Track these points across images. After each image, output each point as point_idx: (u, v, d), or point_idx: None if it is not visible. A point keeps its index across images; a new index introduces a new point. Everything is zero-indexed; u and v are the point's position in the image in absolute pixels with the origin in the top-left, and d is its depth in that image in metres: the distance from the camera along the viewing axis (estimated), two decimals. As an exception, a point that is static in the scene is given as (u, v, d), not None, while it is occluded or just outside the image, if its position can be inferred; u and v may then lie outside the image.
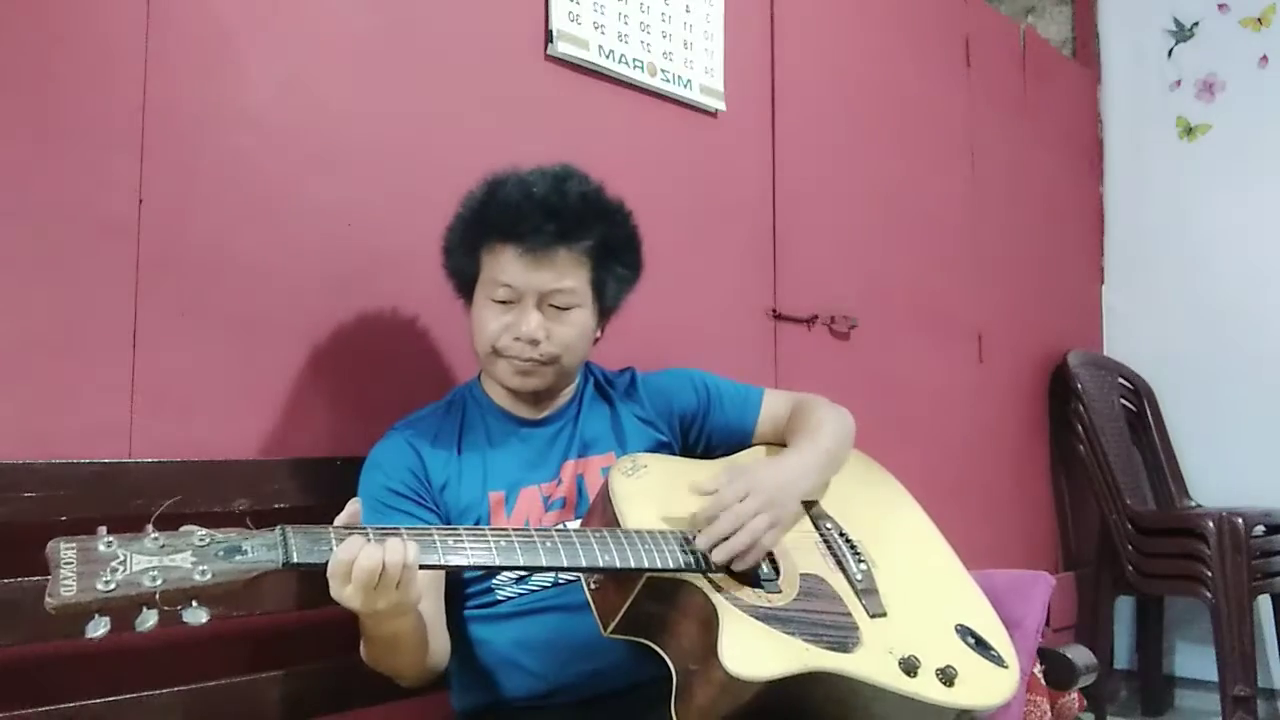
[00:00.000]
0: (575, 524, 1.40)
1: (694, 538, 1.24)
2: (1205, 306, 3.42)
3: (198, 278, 1.44)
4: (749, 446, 1.57)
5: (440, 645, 1.33)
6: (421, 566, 1.08)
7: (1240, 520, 2.85)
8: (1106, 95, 3.70)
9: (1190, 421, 3.40)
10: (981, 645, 1.34)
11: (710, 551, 1.22)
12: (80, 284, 1.33)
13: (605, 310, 1.49)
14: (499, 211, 1.40)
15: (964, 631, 1.35)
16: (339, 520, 1.07)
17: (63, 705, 1.22)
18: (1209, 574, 2.86)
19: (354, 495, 1.39)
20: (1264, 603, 3.09)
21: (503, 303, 1.40)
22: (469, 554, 1.09)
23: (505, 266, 1.38)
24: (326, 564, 1.03)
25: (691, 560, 1.20)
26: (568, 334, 1.41)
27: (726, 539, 1.23)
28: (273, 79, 1.54)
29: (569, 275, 1.40)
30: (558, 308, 1.40)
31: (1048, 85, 3.43)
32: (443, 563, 1.08)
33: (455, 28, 1.78)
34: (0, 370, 1.26)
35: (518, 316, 1.39)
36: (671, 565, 1.17)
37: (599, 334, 1.51)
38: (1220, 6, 3.46)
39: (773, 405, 1.59)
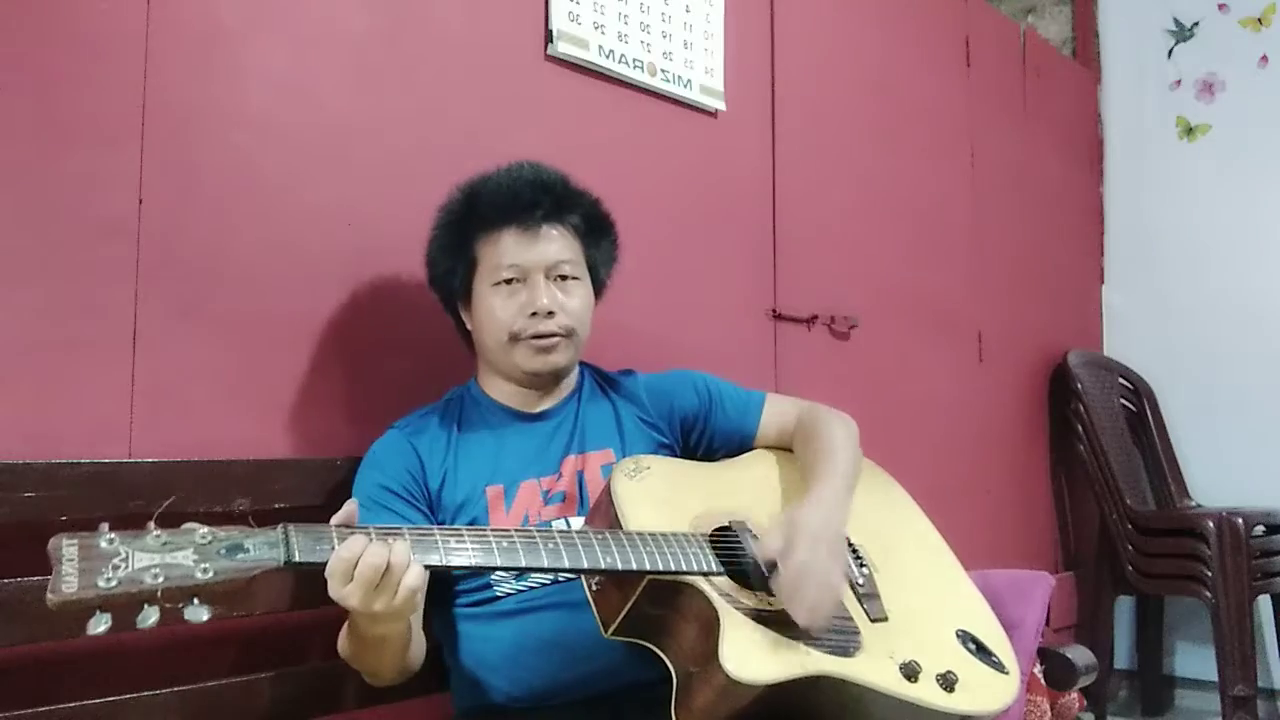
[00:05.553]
0: (576, 520, 1.40)
1: (698, 540, 1.23)
2: (1205, 306, 3.42)
3: (198, 278, 1.44)
4: (750, 450, 1.57)
5: (418, 647, 1.33)
6: (425, 566, 1.07)
7: (1240, 520, 2.85)
8: (1106, 95, 3.70)
9: (1190, 421, 3.40)
10: (982, 651, 1.34)
11: (813, 626, 1.19)
12: (80, 284, 1.33)
13: (597, 288, 1.53)
14: (490, 200, 1.44)
15: (965, 637, 1.35)
16: (336, 519, 1.07)
17: (62, 705, 1.22)
18: (1209, 574, 2.86)
19: (352, 495, 1.40)
20: (1264, 603, 3.09)
21: (509, 283, 1.42)
22: (471, 554, 1.09)
23: (507, 248, 1.42)
24: (327, 563, 1.03)
25: (694, 563, 1.19)
26: (576, 305, 1.45)
27: (817, 605, 1.19)
28: (273, 79, 1.54)
29: (567, 249, 1.46)
30: (563, 278, 1.45)
31: (1048, 85, 3.43)
32: (444, 563, 1.08)
33: (455, 28, 1.78)
34: (0, 370, 1.26)
35: (529, 294, 1.42)
36: (674, 567, 1.17)
37: None
38: (1220, 6, 3.46)
39: (776, 411, 1.58)
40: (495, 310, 1.43)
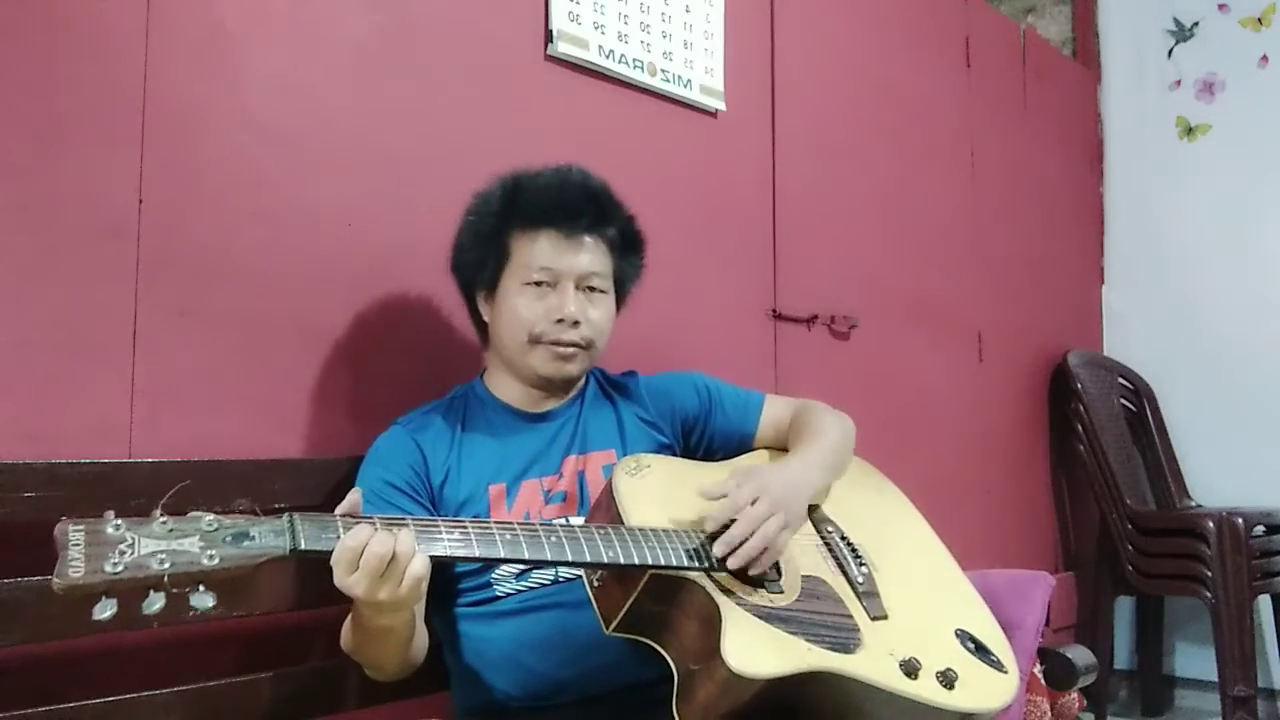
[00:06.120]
0: (577, 520, 1.40)
1: (699, 537, 1.24)
2: (1205, 306, 3.42)
3: (198, 278, 1.44)
4: (750, 450, 1.58)
5: (421, 640, 1.33)
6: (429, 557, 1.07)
7: (1240, 520, 2.85)
8: (1106, 95, 3.70)
9: (1190, 421, 3.40)
10: (981, 650, 1.34)
11: (727, 558, 1.21)
12: (80, 284, 1.33)
13: (619, 302, 1.54)
14: (536, 198, 1.44)
15: (964, 636, 1.35)
16: (340, 510, 1.08)
17: (63, 705, 1.22)
18: (1209, 574, 2.86)
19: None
20: (1264, 603, 3.09)
21: (538, 285, 1.42)
22: (475, 546, 1.09)
23: (543, 250, 1.42)
24: (333, 551, 1.03)
25: (695, 558, 1.20)
26: (601, 318, 1.46)
27: (742, 544, 1.22)
28: (273, 79, 1.54)
29: (600, 261, 1.46)
30: (592, 290, 1.45)
31: (1048, 85, 3.43)
32: (448, 554, 1.08)
33: (455, 28, 1.78)
34: (0, 370, 1.26)
35: (557, 300, 1.42)
36: (675, 563, 1.17)
37: None
38: (1220, 6, 3.46)
39: (774, 411, 1.59)
40: (520, 309, 1.43)
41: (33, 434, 1.28)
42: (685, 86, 2.17)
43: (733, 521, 1.23)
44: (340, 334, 1.59)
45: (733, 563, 1.21)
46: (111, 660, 1.31)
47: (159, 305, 1.40)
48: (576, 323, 1.42)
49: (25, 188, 1.29)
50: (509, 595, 1.36)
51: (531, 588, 1.36)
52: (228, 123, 1.49)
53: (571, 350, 1.43)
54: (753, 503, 1.25)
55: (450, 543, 1.08)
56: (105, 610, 0.87)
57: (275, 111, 1.54)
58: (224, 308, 1.47)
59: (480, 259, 1.47)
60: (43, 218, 1.31)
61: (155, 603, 0.89)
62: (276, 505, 1.42)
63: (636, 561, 1.16)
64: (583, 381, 1.56)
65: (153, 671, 1.31)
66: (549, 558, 1.13)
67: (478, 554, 1.10)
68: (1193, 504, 3.30)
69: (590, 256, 1.44)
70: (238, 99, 1.50)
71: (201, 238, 1.45)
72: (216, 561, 0.93)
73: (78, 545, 0.88)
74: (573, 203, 1.43)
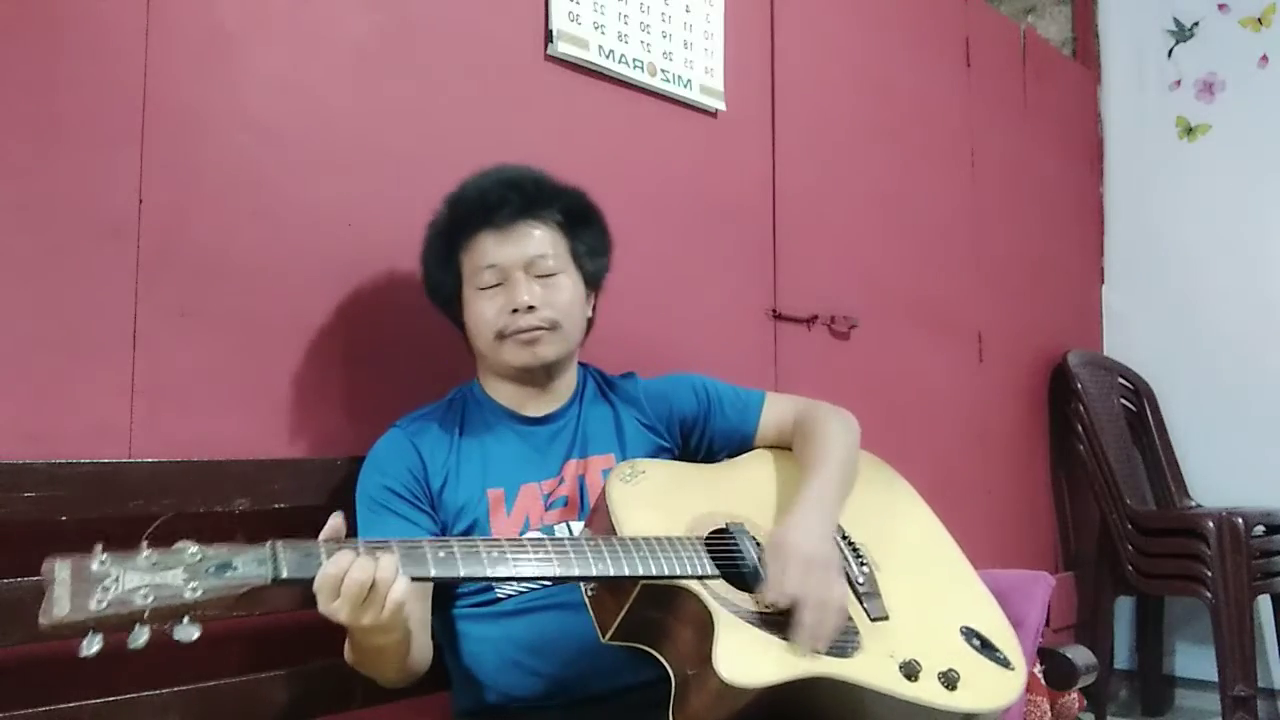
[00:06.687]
0: (578, 525, 1.40)
1: (692, 543, 1.22)
2: (1205, 306, 3.42)
3: (198, 278, 1.44)
4: (750, 450, 1.57)
5: (423, 648, 1.32)
6: (413, 578, 1.07)
7: (1240, 520, 2.85)
8: (1106, 95, 3.70)
9: (1190, 421, 3.40)
10: (987, 647, 1.33)
11: (817, 646, 1.18)
12: (80, 284, 1.33)
13: (590, 280, 1.52)
14: (466, 205, 1.46)
15: (969, 634, 1.34)
16: (323, 535, 1.06)
17: (63, 705, 1.22)
18: (1209, 574, 2.86)
19: (353, 495, 1.40)
20: (1264, 603, 3.09)
21: (492, 287, 1.43)
22: (460, 565, 1.08)
23: (485, 250, 1.43)
24: (314, 579, 1.02)
25: (687, 566, 1.18)
26: (559, 298, 1.44)
27: (816, 624, 1.19)
28: (273, 79, 1.54)
29: (544, 243, 1.45)
30: (543, 275, 1.44)
31: (1048, 85, 3.43)
32: (432, 575, 1.07)
33: (455, 28, 1.78)
34: (0, 370, 1.26)
35: (509, 292, 1.42)
36: (667, 572, 1.16)
37: (591, 313, 1.53)
38: (1220, 6, 3.45)
39: (774, 410, 1.58)
40: (482, 312, 1.44)
41: (33, 434, 1.28)
42: (685, 86, 2.17)
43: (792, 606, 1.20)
44: (340, 334, 1.59)
45: (822, 647, 1.18)
46: (111, 660, 1.29)
47: (159, 305, 1.40)
48: (531, 307, 1.41)
49: (25, 188, 1.29)
50: (509, 597, 1.36)
51: (532, 589, 1.35)
52: (228, 123, 1.49)
53: (536, 334, 1.42)
54: (804, 582, 1.21)
55: (435, 563, 1.07)
56: (92, 645, 0.88)
57: (275, 111, 1.54)
58: (224, 308, 1.47)
59: (441, 280, 1.49)
60: (43, 218, 1.31)
61: (140, 636, 0.91)
62: (276, 505, 1.43)
63: (627, 573, 1.15)
64: (580, 381, 1.55)
65: (153, 671, 1.31)
66: (536, 574, 1.12)
67: (463, 574, 1.09)
68: (1193, 504, 3.30)
69: (531, 242, 1.44)
70: (238, 99, 1.50)
71: (201, 238, 1.45)
72: (199, 594, 0.93)
73: (63, 583, 0.90)
74: (494, 195, 1.44)
